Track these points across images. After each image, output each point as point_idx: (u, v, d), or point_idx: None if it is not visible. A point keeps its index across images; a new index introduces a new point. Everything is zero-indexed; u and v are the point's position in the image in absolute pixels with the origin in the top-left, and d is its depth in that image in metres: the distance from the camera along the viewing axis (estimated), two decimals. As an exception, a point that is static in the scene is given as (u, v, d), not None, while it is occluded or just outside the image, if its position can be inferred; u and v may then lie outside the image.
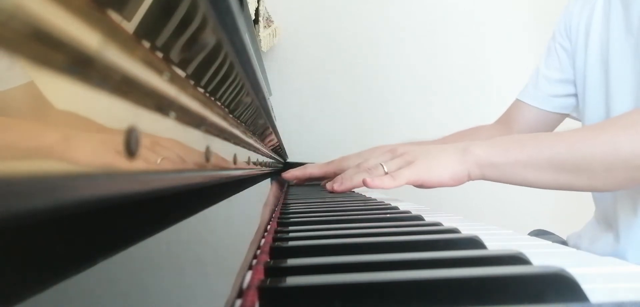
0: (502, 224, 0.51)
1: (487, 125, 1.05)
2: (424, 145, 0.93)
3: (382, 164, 0.72)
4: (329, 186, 0.81)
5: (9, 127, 0.09)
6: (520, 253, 0.30)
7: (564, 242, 0.92)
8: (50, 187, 0.10)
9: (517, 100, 1.00)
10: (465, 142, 0.71)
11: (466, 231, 0.40)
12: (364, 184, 0.70)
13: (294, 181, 1.09)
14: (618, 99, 0.77)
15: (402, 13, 1.66)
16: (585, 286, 0.24)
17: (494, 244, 0.35)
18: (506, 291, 0.24)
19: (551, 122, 0.96)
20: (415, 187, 0.71)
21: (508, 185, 0.70)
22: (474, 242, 0.36)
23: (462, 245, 0.36)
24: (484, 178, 0.69)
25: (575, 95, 0.90)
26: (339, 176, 0.79)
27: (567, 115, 0.95)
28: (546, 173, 0.65)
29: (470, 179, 0.69)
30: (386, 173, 0.71)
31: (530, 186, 0.67)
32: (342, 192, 0.78)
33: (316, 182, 1.26)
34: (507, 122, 1.01)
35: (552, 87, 0.93)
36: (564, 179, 0.64)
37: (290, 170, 1.06)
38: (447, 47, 1.66)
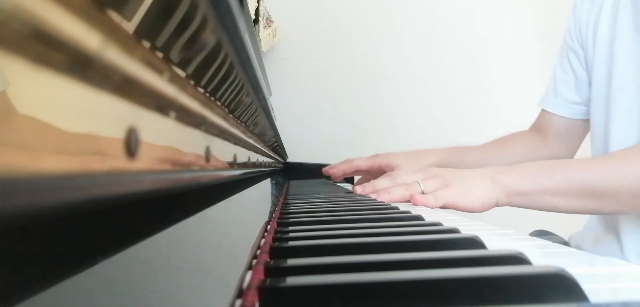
0: (502, 224, 0.51)
1: (523, 133, 1.03)
2: (441, 155, 0.96)
3: (419, 182, 0.74)
4: (362, 190, 0.81)
5: (8, 127, 0.09)
6: (520, 253, 0.30)
7: (565, 243, 0.91)
8: (50, 187, 0.10)
9: (543, 110, 0.99)
10: (494, 169, 0.72)
11: (466, 231, 0.40)
12: (411, 200, 0.72)
13: (340, 177, 1.11)
14: (619, 98, 0.77)
15: (402, 14, 1.66)
16: (586, 286, 0.24)
17: (494, 244, 0.35)
18: (506, 291, 0.24)
19: (580, 129, 0.94)
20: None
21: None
22: (474, 242, 0.36)
23: (462, 245, 0.36)
24: (511, 205, 0.70)
25: None
26: (371, 185, 0.80)
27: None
28: (574, 200, 0.66)
29: (498, 205, 0.70)
30: (422, 192, 0.72)
31: (557, 212, 0.69)
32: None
33: (315, 179, 1.27)
34: (540, 130, 1.00)
35: (570, 93, 0.92)
36: (592, 205, 0.66)
37: (336, 164, 1.08)
38: (447, 48, 1.66)
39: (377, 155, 1.01)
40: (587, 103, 0.90)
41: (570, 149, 0.96)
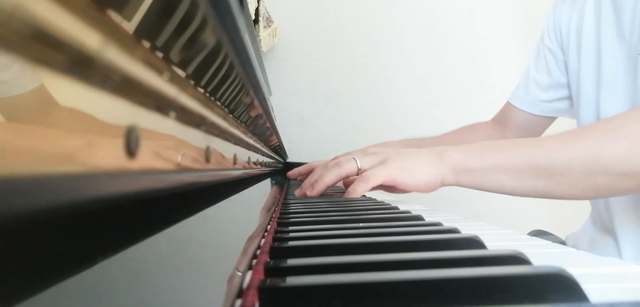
0: (502, 224, 0.51)
1: (483, 123, 1.05)
2: (398, 145, 0.92)
3: (355, 158, 0.70)
4: (298, 192, 0.78)
5: (9, 127, 0.09)
6: (520, 253, 0.30)
7: (562, 243, 0.91)
8: (50, 187, 0.10)
9: (508, 103, 1.00)
10: (440, 147, 0.68)
11: (466, 231, 0.40)
12: (344, 185, 0.68)
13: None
14: (610, 102, 0.77)
15: (402, 14, 1.66)
16: (585, 286, 0.24)
17: (494, 244, 0.35)
18: (506, 291, 0.24)
19: (543, 124, 0.96)
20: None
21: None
22: (474, 242, 0.36)
23: (462, 245, 0.36)
24: (459, 184, 0.66)
25: (568, 98, 0.90)
26: (307, 179, 0.77)
27: (556, 118, 0.96)
28: (523, 179, 0.63)
29: (443, 184, 0.66)
30: (359, 169, 0.68)
31: (507, 193, 0.66)
32: (318, 194, 0.74)
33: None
34: (502, 122, 1.01)
35: (542, 92, 0.93)
36: (542, 185, 0.62)
37: (297, 171, 1.02)
38: (447, 47, 1.66)
39: (364, 148, 0.98)
40: (555, 103, 0.92)
41: None
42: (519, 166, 0.62)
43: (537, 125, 0.96)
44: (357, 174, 0.70)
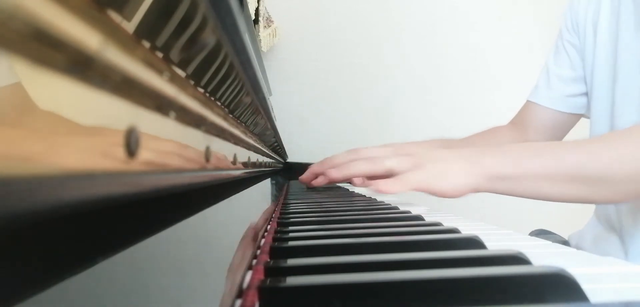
0: (502, 223, 0.51)
1: (502, 127, 0.99)
2: (427, 147, 0.84)
3: (386, 158, 0.64)
4: (320, 180, 0.73)
5: (8, 127, 0.09)
6: (520, 253, 0.30)
7: (565, 242, 0.91)
8: (50, 187, 0.10)
9: (529, 102, 0.95)
10: (473, 151, 0.64)
11: (466, 231, 0.40)
12: (372, 186, 0.61)
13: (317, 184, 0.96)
14: (624, 99, 0.74)
15: (402, 13, 1.66)
16: (585, 286, 0.24)
17: (494, 244, 0.35)
18: (506, 291, 0.24)
19: (567, 122, 0.91)
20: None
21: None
22: (474, 242, 0.36)
23: (462, 245, 0.36)
24: (494, 191, 0.62)
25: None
26: (328, 160, 0.72)
27: (582, 115, 0.90)
28: (563, 185, 0.59)
29: (476, 191, 0.62)
30: (389, 170, 0.63)
31: (544, 199, 0.62)
32: (341, 180, 0.70)
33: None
34: (522, 124, 0.96)
35: (565, 87, 0.89)
36: (583, 191, 0.58)
37: (311, 169, 0.90)
38: (447, 47, 1.66)
39: (356, 149, 0.92)
40: (580, 97, 0.88)
41: None
42: (560, 172, 0.59)
43: (561, 125, 0.91)
44: (387, 173, 0.64)
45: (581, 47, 0.85)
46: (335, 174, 0.69)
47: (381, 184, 0.61)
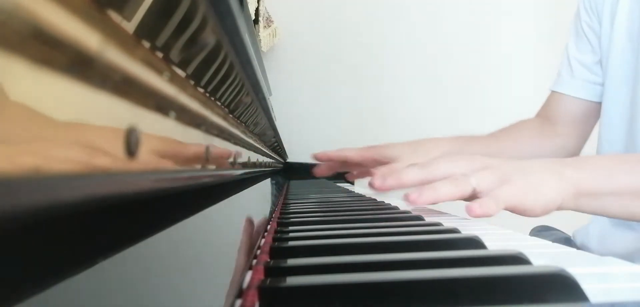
0: (504, 220, 0.50)
1: (529, 121, 0.93)
2: (461, 145, 0.78)
3: (469, 176, 0.54)
4: (379, 183, 0.59)
5: (8, 127, 0.09)
6: (520, 253, 0.30)
7: (567, 239, 0.89)
8: (50, 187, 0.10)
9: (554, 92, 0.88)
10: (557, 162, 0.56)
11: (466, 231, 0.40)
12: (469, 210, 0.50)
13: (327, 172, 0.92)
14: None
15: (402, 13, 1.66)
16: (586, 286, 0.24)
17: (494, 244, 0.35)
18: (506, 291, 0.24)
19: (596, 112, 0.85)
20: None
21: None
22: (474, 242, 0.36)
23: (462, 245, 0.36)
24: (578, 209, 0.55)
25: None
26: (397, 176, 0.58)
27: None
28: None
29: (560, 209, 0.54)
30: (474, 189, 0.53)
31: (632, 219, 0.55)
32: (424, 204, 0.56)
33: (315, 179, 1.23)
34: (549, 117, 0.90)
35: (589, 73, 0.83)
36: None
37: (323, 152, 0.89)
38: (449, 47, 1.66)
39: (372, 146, 0.85)
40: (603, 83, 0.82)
41: (582, 138, 0.88)
42: None
43: (590, 115, 0.85)
44: (472, 194, 0.54)
45: (598, 30, 0.81)
46: (417, 198, 0.54)
47: (476, 208, 0.50)
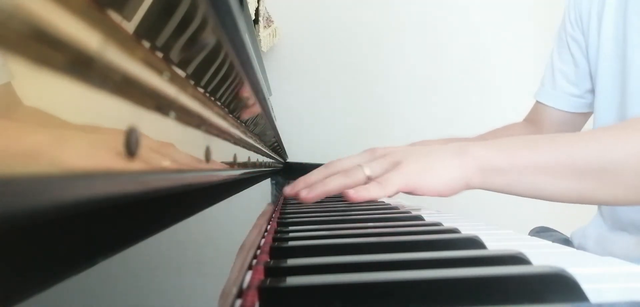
0: (503, 221, 0.51)
1: (517, 124, 0.95)
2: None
3: (362, 165, 0.58)
4: (291, 189, 0.63)
5: (8, 127, 0.09)
6: (520, 253, 0.30)
7: (566, 240, 0.89)
8: (50, 187, 0.10)
9: (538, 102, 0.92)
10: (462, 142, 0.59)
11: (466, 231, 0.40)
12: (346, 196, 0.55)
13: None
14: (636, 91, 0.70)
15: (402, 13, 1.66)
16: (585, 286, 0.24)
17: (494, 244, 0.35)
18: (506, 291, 0.24)
19: (579, 121, 0.87)
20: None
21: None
22: (474, 242, 0.36)
23: (462, 245, 0.36)
24: (486, 187, 0.56)
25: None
26: (302, 180, 0.63)
27: (591, 114, 0.86)
28: (565, 180, 0.53)
29: (469, 187, 0.57)
30: (367, 177, 0.57)
31: (545, 198, 0.56)
32: (314, 200, 0.59)
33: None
34: (535, 122, 0.93)
35: (571, 86, 0.85)
36: (588, 187, 0.52)
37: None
38: (448, 47, 1.66)
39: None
40: (586, 95, 0.84)
41: None
42: (562, 164, 0.53)
43: (572, 123, 0.87)
44: (367, 182, 0.58)
45: (585, 41, 0.82)
46: (306, 195, 0.59)
47: (351, 191, 0.55)
